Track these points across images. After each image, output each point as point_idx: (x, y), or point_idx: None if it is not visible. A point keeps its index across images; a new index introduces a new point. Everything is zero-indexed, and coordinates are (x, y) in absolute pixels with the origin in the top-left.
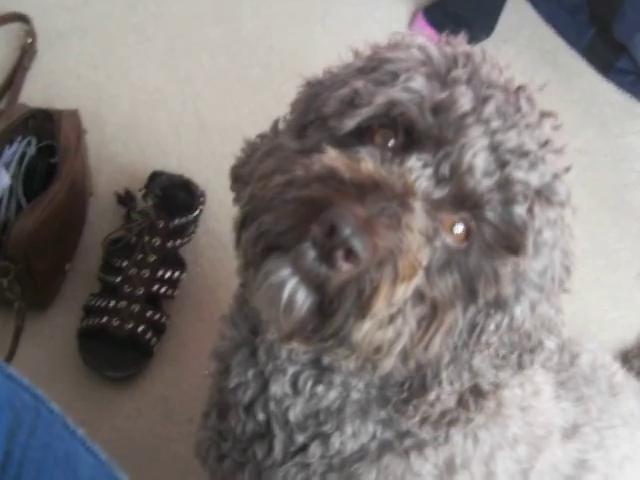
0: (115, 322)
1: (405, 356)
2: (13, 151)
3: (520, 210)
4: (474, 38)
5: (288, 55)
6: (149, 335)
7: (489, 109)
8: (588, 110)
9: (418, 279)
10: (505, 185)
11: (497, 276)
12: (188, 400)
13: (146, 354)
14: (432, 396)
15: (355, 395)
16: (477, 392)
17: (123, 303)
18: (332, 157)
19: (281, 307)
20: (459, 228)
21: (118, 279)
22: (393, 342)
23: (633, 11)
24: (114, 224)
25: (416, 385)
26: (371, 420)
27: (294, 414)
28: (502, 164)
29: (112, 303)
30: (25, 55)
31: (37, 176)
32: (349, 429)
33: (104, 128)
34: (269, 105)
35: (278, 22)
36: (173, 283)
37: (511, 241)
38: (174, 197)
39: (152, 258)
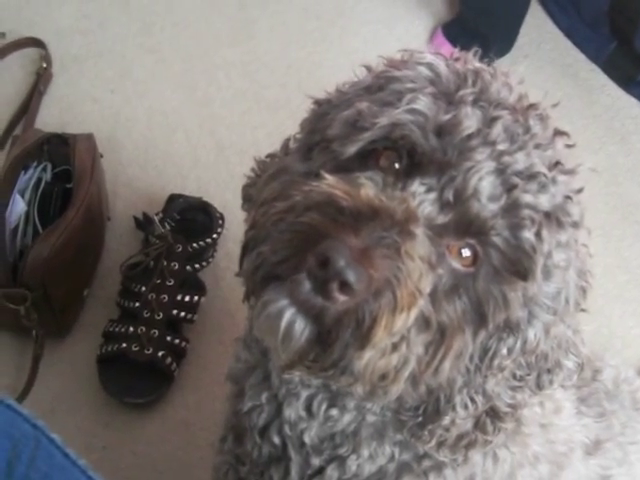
0: (134, 347)
1: (414, 381)
2: (28, 177)
3: (527, 235)
4: (494, 54)
5: (306, 75)
6: (169, 360)
7: (496, 130)
8: (610, 125)
9: (423, 305)
10: (512, 209)
11: (506, 301)
12: (210, 425)
13: (166, 379)
14: (446, 421)
15: (370, 418)
16: (494, 414)
17: (142, 328)
18: (331, 184)
19: (279, 337)
20: (466, 253)
21: (137, 304)
22: (399, 369)
23: None
24: (132, 248)
25: (430, 410)
26: (388, 442)
27: (309, 437)
28: (509, 187)
29: (131, 329)
30: (40, 80)
31: (53, 202)
32: (366, 452)
33: (121, 152)
34: (287, 125)
35: (295, 41)
36: (193, 307)
37: (519, 266)
38: (192, 220)
39: (171, 282)
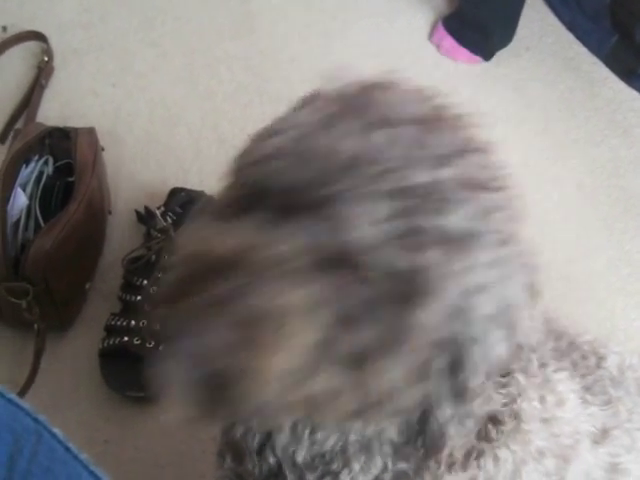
0: (136, 341)
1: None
2: (30, 170)
3: (418, 259)
4: (494, 46)
5: (308, 68)
6: None
7: (375, 148)
8: (612, 118)
9: (328, 336)
10: (403, 235)
11: (412, 328)
12: None
13: None
14: (446, 452)
15: (353, 437)
16: (495, 421)
17: (144, 322)
18: (189, 237)
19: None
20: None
21: (139, 298)
22: (325, 403)
23: None
24: (134, 242)
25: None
26: (378, 454)
27: (301, 457)
28: (397, 212)
29: (133, 322)
30: (42, 73)
31: (55, 195)
32: (356, 466)
33: (122, 145)
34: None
35: (297, 35)
36: None
37: (415, 290)
38: None
39: None
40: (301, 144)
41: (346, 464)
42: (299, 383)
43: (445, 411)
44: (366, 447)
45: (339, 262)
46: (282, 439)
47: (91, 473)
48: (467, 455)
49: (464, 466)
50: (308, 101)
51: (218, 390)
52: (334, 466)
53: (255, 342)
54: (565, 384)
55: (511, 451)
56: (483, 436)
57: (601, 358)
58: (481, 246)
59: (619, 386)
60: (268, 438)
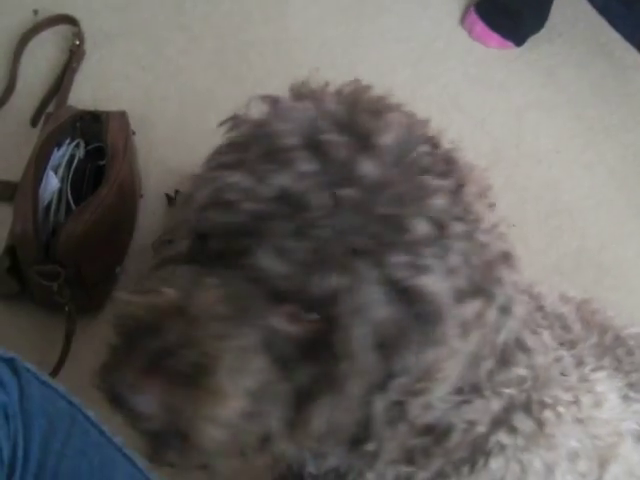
0: None
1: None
2: (62, 154)
3: (327, 281)
4: (526, 32)
5: (340, 53)
6: None
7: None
8: None
9: (262, 379)
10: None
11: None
12: None
13: None
14: (369, 447)
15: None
16: (442, 438)
17: None
18: (124, 299)
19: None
20: (299, 317)
21: None
22: (261, 444)
23: None
24: (164, 226)
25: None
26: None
27: (311, 469)
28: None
29: None
30: (73, 57)
31: (86, 179)
32: (370, 476)
33: (153, 129)
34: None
35: (328, 20)
36: None
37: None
38: None
39: None
40: (226, 188)
41: (360, 475)
42: (246, 426)
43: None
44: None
45: (266, 304)
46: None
47: (124, 456)
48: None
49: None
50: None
51: (167, 441)
52: (350, 478)
53: (195, 394)
54: (604, 383)
55: (537, 455)
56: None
57: None
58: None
59: None
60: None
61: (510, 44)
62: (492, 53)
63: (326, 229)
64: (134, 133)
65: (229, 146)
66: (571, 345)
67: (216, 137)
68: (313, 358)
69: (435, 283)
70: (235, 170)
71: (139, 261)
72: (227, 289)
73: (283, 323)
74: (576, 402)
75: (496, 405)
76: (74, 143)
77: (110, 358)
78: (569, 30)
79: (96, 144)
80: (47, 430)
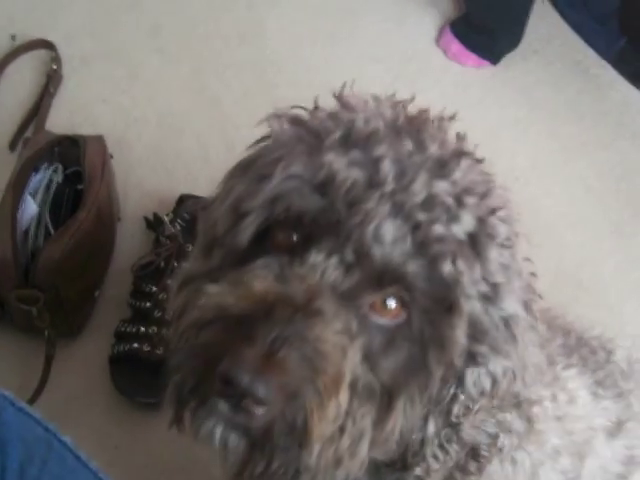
0: (146, 347)
1: (373, 447)
2: (40, 178)
3: (444, 268)
4: (501, 50)
5: (315, 73)
6: None
7: (383, 170)
8: (620, 121)
9: (360, 374)
10: (422, 247)
11: (444, 341)
12: None
13: None
14: (417, 472)
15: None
16: (474, 454)
17: (154, 328)
18: (216, 292)
19: (217, 454)
20: (392, 303)
21: (148, 304)
22: (353, 447)
23: None
24: (143, 249)
25: (400, 465)
26: (388, 475)
27: None
28: (413, 225)
29: (143, 329)
30: (51, 81)
31: (64, 203)
32: None
33: (131, 153)
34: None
35: (304, 40)
36: None
37: (445, 300)
38: None
39: None
40: (306, 177)
41: None
42: (344, 422)
43: (429, 430)
44: (371, 472)
45: (382, 278)
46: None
47: None
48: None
49: None
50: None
51: (270, 448)
52: None
53: (313, 380)
54: (575, 381)
55: (528, 453)
56: (459, 468)
57: (610, 352)
58: (485, 250)
59: (629, 379)
60: None
61: (486, 63)
62: (468, 72)
63: (422, 214)
64: (112, 156)
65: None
66: (541, 346)
67: (194, 160)
68: (400, 348)
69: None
70: (338, 153)
71: (118, 285)
72: (324, 276)
73: (379, 310)
74: (554, 399)
75: (507, 415)
76: (52, 168)
77: (216, 346)
78: (544, 48)
79: (74, 168)
80: (24, 456)
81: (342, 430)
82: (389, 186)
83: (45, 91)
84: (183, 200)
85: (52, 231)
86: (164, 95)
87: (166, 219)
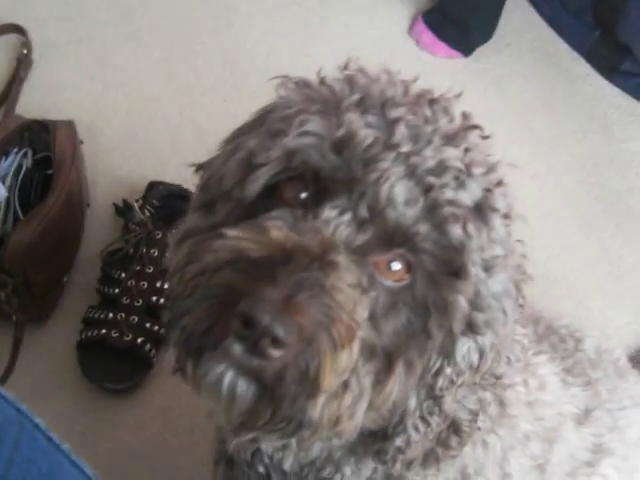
0: (114, 334)
1: (370, 410)
2: (9, 163)
3: (454, 230)
4: (474, 42)
5: (287, 62)
6: (148, 346)
7: (399, 132)
8: (592, 114)
9: (364, 333)
10: (433, 210)
11: (447, 306)
12: (188, 411)
13: (145, 366)
14: (398, 442)
15: (337, 442)
16: (455, 429)
17: (122, 315)
18: (235, 236)
19: (223, 402)
20: (396, 266)
21: (117, 291)
22: (355, 405)
23: (638, 13)
24: (112, 235)
25: (381, 434)
26: (365, 456)
27: (288, 465)
28: (425, 188)
29: (111, 315)
30: (21, 66)
31: (34, 188)
32: (347, 470)
33: (101, 138)
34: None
35: (276, 29)
36: None
37: (452, 265)
38: (172, 207)
39: (150, 269)
40: (323, 135)
41: (338, 469)
42: (350, 379)
43: (411, 401)
44: (353, 450)
45: (391, 238)
46: (269, 448)
47: (72, 463)
48: (427, 456)
49: (424, 466)
50: (299, 87)
51: (279, 396)
52: (325, 472)
53: (325, 337)
54: (546, 367)
55: (499, 436)
56: (440, 442)
57: (578, 341)
58: (491, 220)
59: (597, 368)
60: (258, 448)
61: (458, 54)
62: (440, 63)
63: (434, 178)
64: (82, 142)
65: (307, 101)
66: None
67: (164, 147)
68: (402, 311)
69: None
70: (357, 114)
71: (86, 271)
72: (337, 231)
73: (382, 271)
74: (525, 384)
75: (487, 393)
76: (22, 152)
77: (234, 287)
78: (517, 40)
79: (44, 153)
80: None
81: (346, 387)
82: (404, 148)
83: (15, 76)
84: (152, 187)
85: (21, 216)
86: (135, 81)
87: (135, 205)
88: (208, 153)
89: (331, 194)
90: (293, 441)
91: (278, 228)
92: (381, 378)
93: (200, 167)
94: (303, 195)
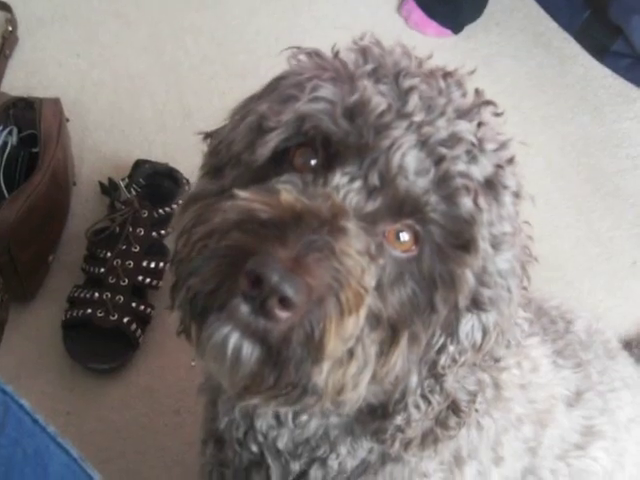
0: (100, 313)
1: (373, 382)
2: None
3: (464, 202)
4: (463, 20)
5: (274, 41)
6: (134, 326)
7: (412, 101)
8: (582, 95)
9: (370, 301)
10: (444, 181)
11: (454, 280)
12: (174, 392)
13: (131, 345)
14: (398, 421)
15: (334, 420)
16: (455, 409)
17: (107, 294)
18: (246, 198)
19: (227, 364)
20: (405, 236)
21: (102, 270)
22: (359, 374)
23: None
24: (98, 214)
25: (380, 412)
26: (362, 436)
27: (283, 444)
28: (437, 159)
29: (96, 294)
30: (6, 43)
31: (19, 166)
32: (343, 449)
33: (87, 116)
34: (255, 91)
35: (264, 7)
36: (158, 273)
37: (461, 238)
38: (158, 186)
39: (136, 248)
40: (335, 100)
41: (333, 449)
42: (351, 356)
43: (413, 378)
44: (350, 430)
45: (401, 207)
46: (264, 425)
47: (58, 445)
48: (425, 436)
49: (422, 447)
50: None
51: (285, 359)
52: (320, 452)
53: (332, 301)
54: (538, 349)
55: (493, 419)
56: (439, 422)
57: (569, 322)
58: (501, 196)
59: (588, 349)
60: (251, 425)
61: (447, 32)
62: (429, 41)
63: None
64: (68, 120)
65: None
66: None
67: (150, 125)
68: (408, 283)
69: None
70: (370, 82)
71: (72, 250)
72: (347, 197)
73: (391, 241)
74: (519, 367)
75: (485, 375)
76: (7, 130)
77: (243, 247)
78: (507, 19)
79: (29, 131)
80: None
81: (351, 355)
82: (417, 117)
83: (0, 53)
84: (139, 165)
85: (6, 194)
86: (121, 58)
87: (121, 184)
88: (194, 131)
89: (342, 161)
90: (290, 418)
91: (288, 191)
92: (385, 349)
93: (208, 135)
94: (313, 162)
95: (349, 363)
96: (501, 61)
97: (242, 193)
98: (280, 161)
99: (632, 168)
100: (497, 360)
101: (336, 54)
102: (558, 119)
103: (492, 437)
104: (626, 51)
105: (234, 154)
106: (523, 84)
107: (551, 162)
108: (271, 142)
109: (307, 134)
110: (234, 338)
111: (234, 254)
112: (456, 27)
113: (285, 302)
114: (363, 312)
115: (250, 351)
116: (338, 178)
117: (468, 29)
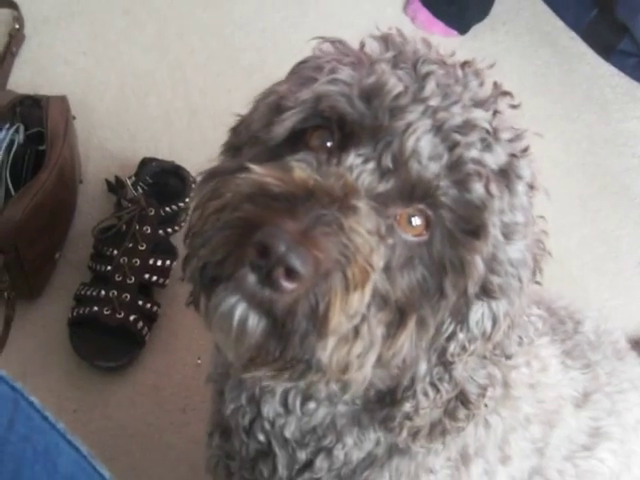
0: (106, 311)
1: (379, 366)
2: (1, 139)
3: (476, 187)
4: (470, 20)
5: (281, 38)
6: (140, 324)
7: (429, 87)
8: (589, 94)
9: (378, 281)
10: (456, 166)
11: (464, 265)
12: (180, 390)
13: (137, 343)
14: (407, 408)
15: (342, 408)
16: (464, 400)
17: (114, 292)
18: (259, 172)
19: (233, 334)
20: (417, 221)
21: (109, 268)
22: (365, 354)
23: None
24: (104, 212)
25: (389, 399)
26: (370, 427)
27: (290, 432)
28: (450, 145)
29: (103, 292)
30: (13, 41)
31: (26, 164)
32: (349, 440)
33: (93, 114)
34: (261, 89)
35: (270, 5)
36: (164, 271)
37: (472, 224)
38: (165, 184)
39: (143, 246)
40: (352, 82)
41: (339, 439)
42: (356, 334)
43: (422, 366)
44: (357, 420)
45: (413, 191)
46: (271, 412)
47: (68, 442)
48: (433, 427)
49: (429, 439)
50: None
51: (289, 331)
52: (327, 441)
53: (338, 275)
54: (547, 349)
55: (501, 417)
56: (447, 412)
57: (578, 323)
58: (514, 185)
59: (597, 350)
60: (258, 413)
61: (454, 32)
62: (435, 41)
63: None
64: (74, 117)
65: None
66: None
67: (157, 123)
68: (418, 267)
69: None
70: (388, 66)
71: (79, 248)
72: (360, 178)
73: (402, 225)
74: (528, 366)
75: (496, 370)
76: (14, 128)
77: (253, 219)
78: (513, 19)
79: (36, 129)
80: None
81: (356, 333)
82: (432, 102)
83: (7, 51)
84: (145, 163)
85: (13, 192)
86: (128, 57)
87: (128, 182)
88: (201, 130)
89: (356, 142)
90: (297, 405)
91: (302, 169)
92: (392, 332)
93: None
94: (329, 143)
95: (354, 341)
96: (508, 60)
97: (256, 168)
98: (296, 141)
99: (638, 167)
100: (508, 357)
101: (362, 46)
102: (564, 118)
103: (499, 436)
104: (633, 50)
105: (252, 133)
106: (529, 83)
107: (557, 161)
108: (288, 121)
109: (323, 114)
110: (240, 309)
111: (244, 225)
112: (462, 28)
113: (291, 273)
114: (369, 289)
115: (256, 322)
116: (352, 159)
117: (475, 28)
